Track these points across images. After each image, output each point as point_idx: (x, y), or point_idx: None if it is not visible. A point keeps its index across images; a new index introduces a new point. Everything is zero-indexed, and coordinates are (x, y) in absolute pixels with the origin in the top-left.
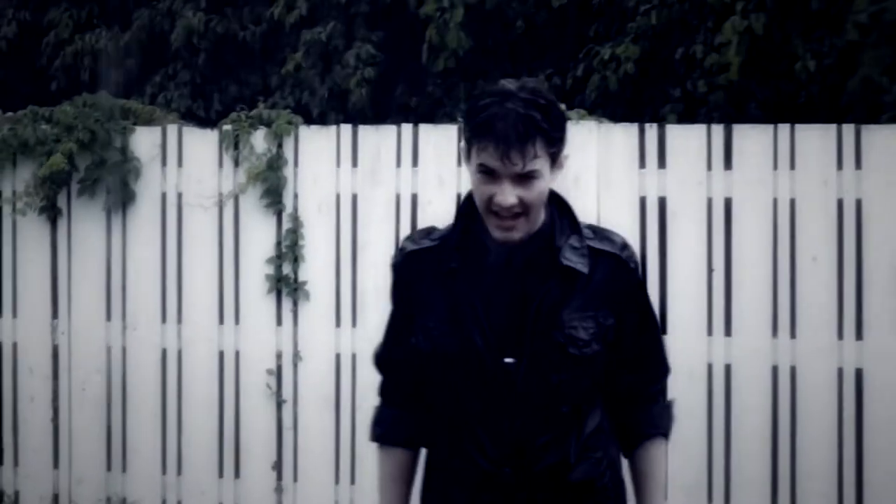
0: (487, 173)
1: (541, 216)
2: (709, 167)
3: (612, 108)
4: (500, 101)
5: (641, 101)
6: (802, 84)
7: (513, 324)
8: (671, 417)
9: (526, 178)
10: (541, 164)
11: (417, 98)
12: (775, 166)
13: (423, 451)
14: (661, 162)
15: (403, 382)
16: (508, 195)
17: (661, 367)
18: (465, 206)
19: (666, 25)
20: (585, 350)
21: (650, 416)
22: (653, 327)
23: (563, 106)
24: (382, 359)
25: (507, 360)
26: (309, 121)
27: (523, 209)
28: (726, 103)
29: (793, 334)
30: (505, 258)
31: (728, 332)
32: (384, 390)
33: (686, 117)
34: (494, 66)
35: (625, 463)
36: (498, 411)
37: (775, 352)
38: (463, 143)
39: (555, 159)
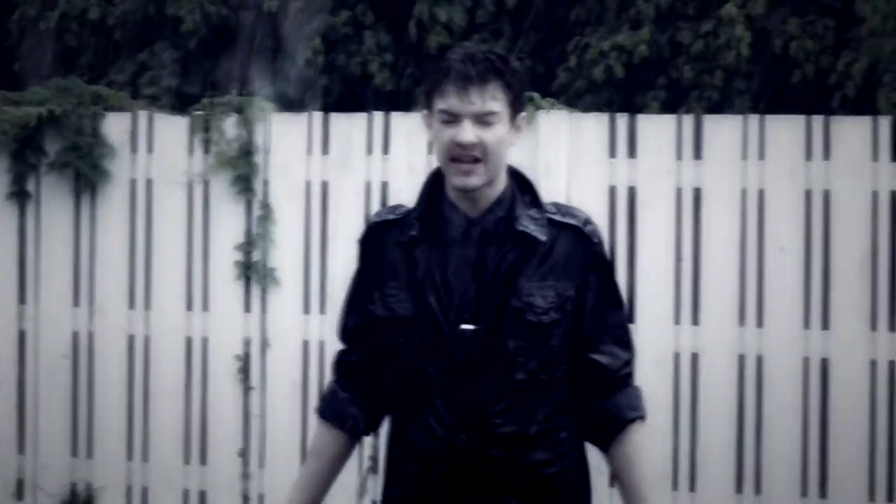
0: (449, 119)
1: (500, 176)
2: (679, 157)
3: (599, 98)
4: (461, 55)
5: (629, 90)
6: (798, 64)
7: (470, 290)
8: (644, 400)
9: (485, 121)
10: (499, 107)
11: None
12: (745, 156)
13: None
14: (632, 152)
15: (354, 359)
16: (468, 132)
17: (629, 349)
18: (430, 181)
19: (663, 12)
20: (543, 317)
21: (629, 400)
22: (619, 306)
23: (535, 94)
24: (342, 329)
25: (465, 326)
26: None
27: (482, 153)
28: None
29: (760, 324)
30: (464, 228)
31: (696, 321)
32: (337, 368)
33: (670, 106)
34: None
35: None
36: (454, 378)
37: (742, 341)
38: (425, 112)
39: (513, 113)
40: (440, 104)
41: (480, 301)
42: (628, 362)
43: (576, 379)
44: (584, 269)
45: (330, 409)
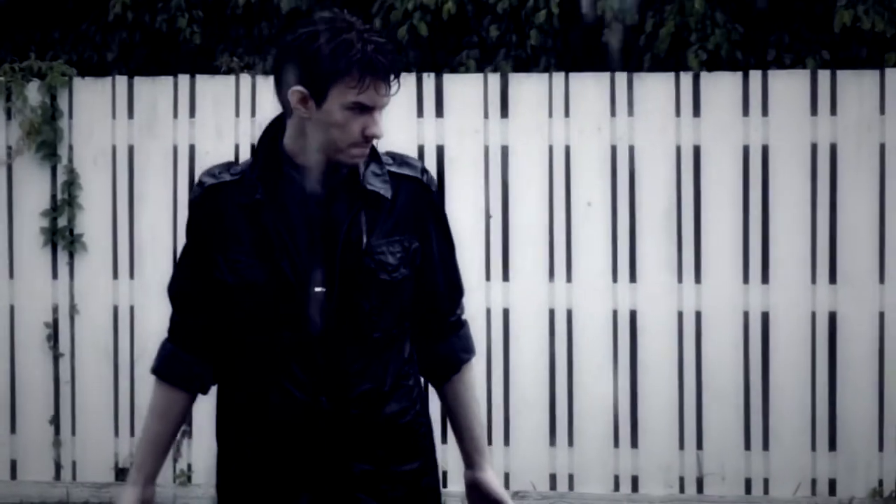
0: (359, 108)
1: None
2: (486, 115)
3: (406, 58)
4: (363, 37)
5: (438, 50)
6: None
7: (321, 252)
8: (472, 338)
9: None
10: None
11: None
12: (551, 114)
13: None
14: (440, 111)
15: (192, 321)
16: (380, 126)
17: (462, 290)
18: (265, 139)
19: None
20: (395, 275)
21: (462, 342)
22: (453, 249)
23: None
24: (175, 292)
25: (318, 288)
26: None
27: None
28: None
29: (569, 278)
30: (309, 188)
31: (506, 277)
32: (172, 327)
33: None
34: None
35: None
36: (310, 341)
37: (552, 295)
38: (299, 88)
39: None
40: (351, 96)
41: (333, 263)
42: (460, 303)
43: (415, 324)
44: (424, 220)
45: (172, 370)
